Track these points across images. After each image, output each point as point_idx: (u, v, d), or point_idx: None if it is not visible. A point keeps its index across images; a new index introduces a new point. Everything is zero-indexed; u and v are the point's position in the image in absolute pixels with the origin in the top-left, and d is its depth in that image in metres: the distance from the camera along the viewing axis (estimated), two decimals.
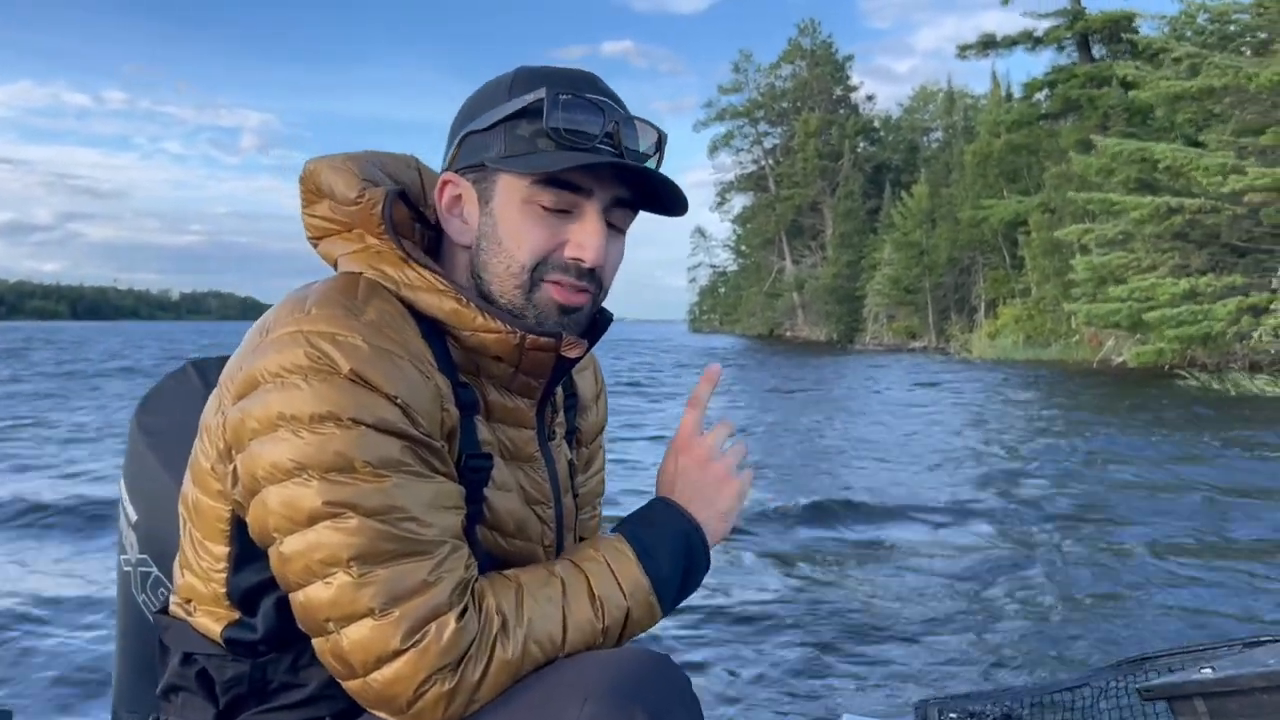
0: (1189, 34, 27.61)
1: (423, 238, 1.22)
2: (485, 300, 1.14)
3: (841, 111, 60.81)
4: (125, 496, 1.57)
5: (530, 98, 1.11)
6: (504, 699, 1.02)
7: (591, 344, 1.22)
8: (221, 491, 1.10)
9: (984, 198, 39.58)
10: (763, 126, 65.27)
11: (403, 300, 1.11)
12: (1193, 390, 19.87)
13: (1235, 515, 7.33)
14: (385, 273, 1.12)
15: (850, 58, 62.89)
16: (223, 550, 1.12)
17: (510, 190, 1.12)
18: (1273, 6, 24.72)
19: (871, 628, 4.47)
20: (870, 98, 71.30)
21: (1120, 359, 27.75)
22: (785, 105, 61.64)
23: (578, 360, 1.17)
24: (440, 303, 1.11)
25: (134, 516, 1.55)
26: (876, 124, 63.25)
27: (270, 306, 1.15)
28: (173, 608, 1.20)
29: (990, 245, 40.31)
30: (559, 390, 1.29)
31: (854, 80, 63.91)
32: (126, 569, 1.56)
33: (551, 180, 1.10)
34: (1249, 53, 25.59)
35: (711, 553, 1.20)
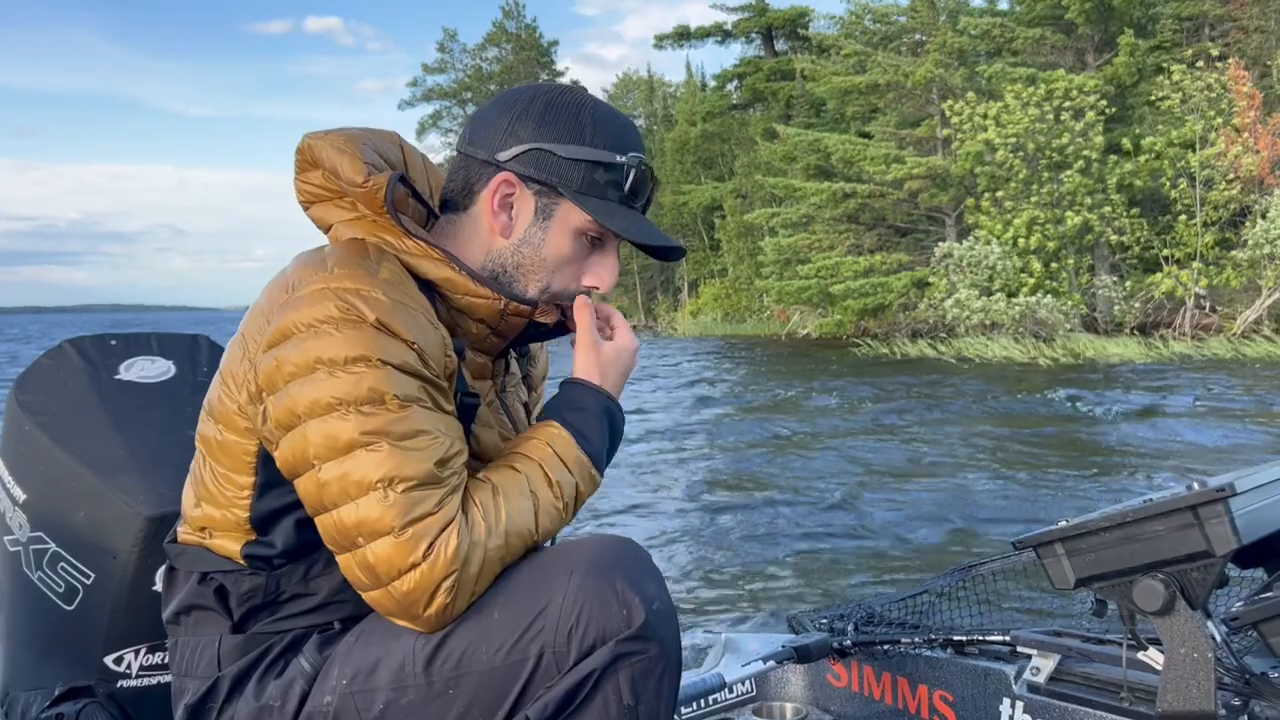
0: (858, 33, 30.29)
1: (415, 212, 1.36)
2: (493, 276, 1.31)
3: None
4: (7, 477, 1.58)
5: (618, 159, 1.30)
6: (502, 582, 1.20)
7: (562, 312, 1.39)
8: (250, 429, 1.23)
9: (684, 183, 41.46)
10: (471, 108, 64.63)
11: (402, 264, 1.26)
12: (866, 355, 22.02)
13: (907, 453, 8.17)
14: (387, 240, 1.27)
15: (555, 43, 63.56)
16: (248, 480, 1.25)
17: (570, 216, 1.30)
18: (923, 10, 27.63)
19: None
20: (575, 84, 72.30)
21: (805, 331, 30.17)
22: (493, 87, 61.43)
23: (546, 325, 1.35)
24: (437, 270, 1.27)
25: (21, 496, 1.56)
26: None
27: None
28: (184, 537, 1.32)
29: (691, 228, 42.27)
30: (513, 349, 1.45)
31: (560, 66, 64.74)
32: (15, 549, 1.56)
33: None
34: (906, 52, 28.44)
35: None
